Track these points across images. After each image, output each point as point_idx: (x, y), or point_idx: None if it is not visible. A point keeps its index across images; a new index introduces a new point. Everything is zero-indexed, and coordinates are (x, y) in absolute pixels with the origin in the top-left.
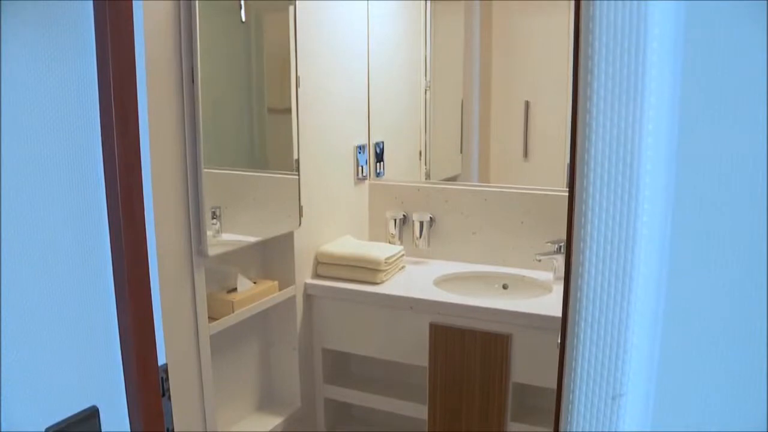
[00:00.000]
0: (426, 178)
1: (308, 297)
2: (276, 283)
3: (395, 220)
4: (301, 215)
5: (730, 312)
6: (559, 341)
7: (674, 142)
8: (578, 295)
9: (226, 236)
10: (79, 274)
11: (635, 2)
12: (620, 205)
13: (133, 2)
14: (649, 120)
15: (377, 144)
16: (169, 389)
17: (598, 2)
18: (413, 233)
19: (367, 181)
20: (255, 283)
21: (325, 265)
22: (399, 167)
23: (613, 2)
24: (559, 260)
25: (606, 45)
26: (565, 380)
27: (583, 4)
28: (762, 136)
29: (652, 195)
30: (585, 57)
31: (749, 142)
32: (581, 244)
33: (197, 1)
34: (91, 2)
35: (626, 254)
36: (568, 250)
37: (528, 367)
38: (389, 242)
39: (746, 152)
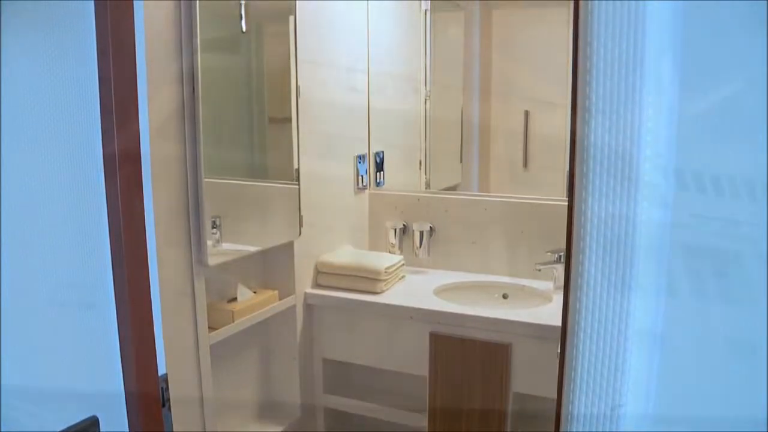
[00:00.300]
0: (426, 188)
1: (308, 307)
2: (276, 292)
3: (395, 230)
4: (301, 225)
5: (729, 318)
6: (558, 351)
7: (673, 147)
8: (577, 306)
9: (226, 246)
10: (79, 278)
11: (634, 2)
12: (619, 216)
13: (134, 2)
14: (648, 131)
15: (377, 153)
16: (169, 399)
17: (597, 2)
18: (413, 243)
19: (367, 191)
20: (255, 292)
21: (325, 275)
22: (399, 177)
23: (611, 2)
24: (559, 270)
25: (604, 45)
26: (565, 390)
27: (582, 3)
28: (762, 148)
29: (651, 206)
30: (584, 56)
31: (750, 149)
32: (580, 255)
33: (197, 8)
34: (92, 2)
35: (625, 265)
36: (568, 260)
37: (528, 377)
38: (389, 252)
39: (747, 157)
